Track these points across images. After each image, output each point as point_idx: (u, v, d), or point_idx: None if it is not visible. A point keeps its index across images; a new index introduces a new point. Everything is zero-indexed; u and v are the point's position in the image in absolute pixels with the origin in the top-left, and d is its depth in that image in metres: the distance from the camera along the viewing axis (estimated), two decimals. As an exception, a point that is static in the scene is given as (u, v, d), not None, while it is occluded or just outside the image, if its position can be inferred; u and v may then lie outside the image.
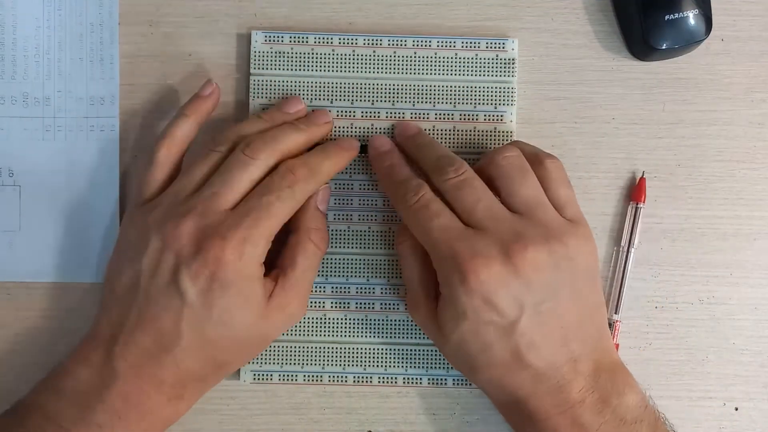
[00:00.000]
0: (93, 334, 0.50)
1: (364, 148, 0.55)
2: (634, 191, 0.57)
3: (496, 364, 0.48)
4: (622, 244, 0.57)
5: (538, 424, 0.49)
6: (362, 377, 0.56)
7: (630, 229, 0.57)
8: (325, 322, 0.56)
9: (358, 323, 0.56)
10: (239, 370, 0.55)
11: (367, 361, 0.56)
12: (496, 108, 0.56)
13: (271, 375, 0.55)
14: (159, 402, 0.49)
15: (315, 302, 0.55)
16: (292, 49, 0.56)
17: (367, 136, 0.56)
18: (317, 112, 0.55)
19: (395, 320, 0.56)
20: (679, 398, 0.57)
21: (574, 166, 0.57)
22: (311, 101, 0.56)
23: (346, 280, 0.56)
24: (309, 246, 0.52)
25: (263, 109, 0.55)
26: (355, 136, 0.56)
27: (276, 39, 0.56)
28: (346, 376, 0.56)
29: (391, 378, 0.55)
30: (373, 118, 0.56)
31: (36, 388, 0.50)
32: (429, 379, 0.56)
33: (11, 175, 0.56)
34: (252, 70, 0.56)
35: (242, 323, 0.49)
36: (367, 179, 0.56)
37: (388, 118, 0.56)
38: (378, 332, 0.56)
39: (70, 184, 0.56)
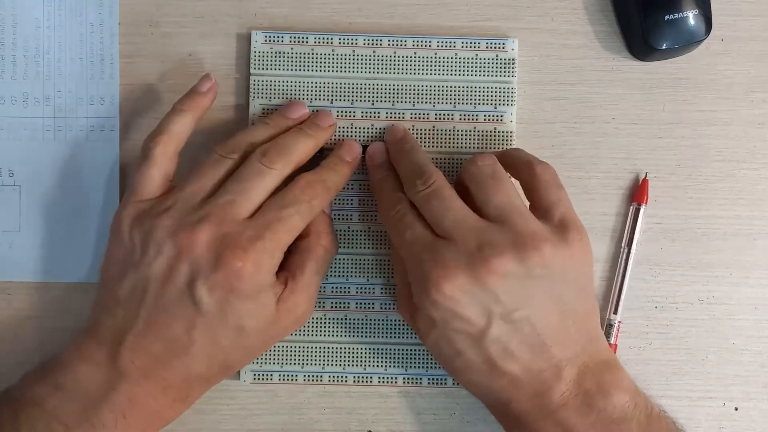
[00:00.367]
0: (93, 333, 0.49)
1: (365, 148, 0.55)
2: (637, 192, 0.57)
3: (471, 369, 0.49)
4: (623, 245, 0.57)
5: (523, 426, 0.49)
6: (362, 377, 0.56)
7: (630, 229, 0.57)
8: (325, 322, 0.56)
9: (358, 323, 0.56)
10: (239, 370, 0.55)
11: (367, 361, 0.56)
12: (496, 108, 0.56)
13: (271, 375, 0.55)
14: (164, 403, 0.49)
15: (315, 302, 0.55)
16: (292, 49, 0.56)
17: (368, 136, 0.56)
18: (320, 113, 0.54)
19: (395, 320, 0.56)
20: (679, 398, 0.57)
21: (574, 166, 0.57)
22: (311, 101, 0.56)
23: (346, 280, 0.56)
24: (319, 250, 0.52)
25: (264, 109, 0.56)
26: (356, 136, 0.56)
27: (276, 39, 0.56)
28: (346, 376, 0.56)
29: (391, 378, 0.55)
30: (373, 118, 0.56)
31: (30, 380, 0.49)
32: (429, 379, 0.56)
33: (11, 175, 0.56)
34: (252, 70, 0.56)
35: (254, 330, 0.49)
36: (367, 179, 0.56)
37: (388, 118, 0.56)
38: (378, 332, 0.56)
39: (70, 184, 0.56)
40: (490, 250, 0.46)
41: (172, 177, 0.52)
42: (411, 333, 0.56)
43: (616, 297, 0.56)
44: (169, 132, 0.52)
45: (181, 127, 0.52)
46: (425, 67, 0.56)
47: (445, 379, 0.56)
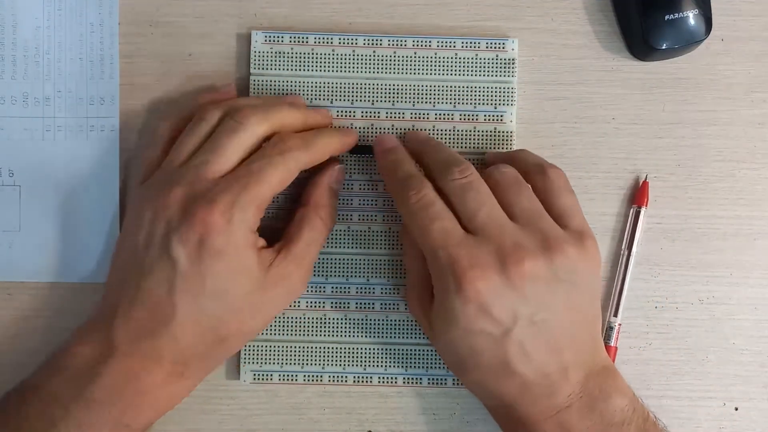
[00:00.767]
0: (95, 314, 0.50)
1: (365, 149, 0.55)
2: (637, 195, 0.57)
3: (483, 368, 0.48)
4: (623, 247, 0.57)
5: (525, 428, 0.49)
6: (362, 377, 0.56)
7: (631, 232, 0.57)
8: (325, 322, 0.56)
9: (358, 323, 0.56)
10: (239, 370, 0.55)
11: (367, 361, 0.56)
12: (496, 108, 0.56)
13: (271, 375, 0.55)
14: (158, 379, 0.49)
15: (315, 302, 0.55)
16: (292, 49, 0.56)
17: (368, 137, 0.56)
18: (319, 108, 0.55)
19: (395, 320, 0.56)
20: (679, 398, 0.57)
21: (574, 166, 0.57)
22: (311, 101, 0.56)
23: (346, 280, 0.56)
24: (316, 220, 0.52)
25: (263, 109, 0.56)
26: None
27: (276, 39, 0.56)
28: (346, 376, 0.56)
29: (391, 378, 0.55)
30: (373, 118, 0.56)
31: (38, 369, 0.50)
32: (429, 379, 0.56)
33: (11, 175, 0.56)
34: (252, 70, 0.56)
35: (237, 293, 0.48)
36: (367, 179, 0.56)
37: (388, 118, 0.56)
38: (378, 332, 0.56)
39: (70, 184, 0.56)
40: (524, 252, 0.46)
41: None
42: (411, 333, 0.56)
43: (616, 300, 0.56)
44: (178, 117, 0.53)
45: (190, 115, 0.53)
46: (425, 67, 0.56)
47: (445, 379, 0.56)
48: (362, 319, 0.56)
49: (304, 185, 0.54)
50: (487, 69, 0.56)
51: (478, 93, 0.56)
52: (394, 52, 0.56)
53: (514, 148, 0.56)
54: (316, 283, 0.56)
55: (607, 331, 0.56)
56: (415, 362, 0.55)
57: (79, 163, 0.56)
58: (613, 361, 0.56)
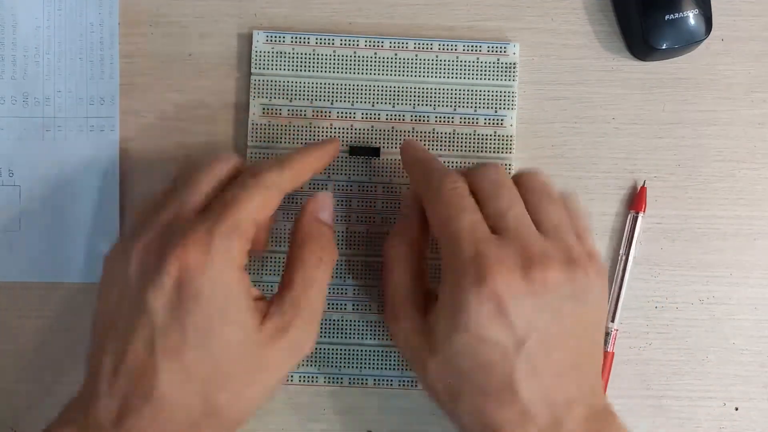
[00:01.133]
0: (78, 392, 0.45)
1: (365, 150, 0.55)
2: (635, 200, 0.57)
3: (484, 390, 0.43)
4: (621, 252, 0.57)
5: None
6: (357, 379, 0.56)
7: (629, 237, 0.56)
8: (321, 324, 0.55)
9: (354, 325, 0.56)
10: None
11: (363, 363, 0.55)
12: (496, 112, 0.56)
13: (271, 375, 0.55)
14: None
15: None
16: (293, 49, 0.56)
17: (368, 138, 0.56)
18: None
19: (394, 321, 0.56)
20: (679, 398, 0.57)
21: (574, 166, 0.57)
22: (311, 102, 0.56)
23: (343, 281, 0.56)
24: (308, 257, 0.46)
25: (264, 109, 0.56)
26: (356, 137, 0.56)
27: (277, 39, 0.56)
28: (341, 378, 0.56)
29: (387, 380, 0.55)
30: (373, 119, 0.56)
31: None
32: (426, 381, 0.56)
33: (11, 175, 0.56)
34: (253, 70, 0.56)
35: (226, 347, 0.42)
36: (367, 180, 0.56)
37: (389, 120, 0.56)
38: (374, 334, 0.56)
39: (70, 184, 0.56)
40: (549, 260, 0.43)
41: None
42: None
43: (613, 305, 0.56)
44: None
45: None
46: (426, 70, 0.56)
47: (445, 380, 0.56)
48: (359, 321, 0.56)
49: None
50: (487, 72, 0.56)
51: (478, 96, 0.56)
52: (395, 54, 0.56)
53: (514, 152, 0.56)
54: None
55: (605, 336, 0.56)
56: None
57: (79, 163, 0.56)
58: (611, 365, 0.56)
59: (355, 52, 0.56)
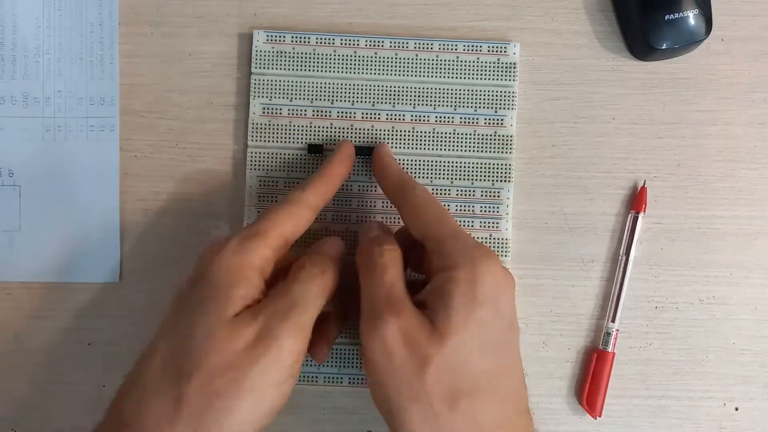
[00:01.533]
0: None
1: (364, 150, 0.55)
2: (635, 201, 0.57)
3: (498, 383, 0.44)
4: (621, 252, 0.57)
5: None
6: (358, 379, 0.56)
7: (629, 237, 0.57)
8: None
9: (354, 325, 0.55)
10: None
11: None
12: (496, 112, 0.56)
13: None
14: None
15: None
16: (293, 49, 0.56)
17: (368, 138, 0.56)
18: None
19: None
20: (679, 398, 0.57)
21: (574, 166, 0.57)
22: (312, 101, 0.56)
23: (344, 282, 0.55)
24: (298, 273, 0.47)
25: (264, 108, 0.56)
26: (356, 137, 0.56)
27: (278, 39, 0.56)
28: (341, 378, 0.56)
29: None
30: (373, 119, 0.56)
31: None
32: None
33: (11, 175, 0.56)
34: (253, 69, 0.56)
35: (200, 322, 0.43)
36: (367, 180, 0.56)
37: (389, 119, 0.56)
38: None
39: (70, 184, 0.56)
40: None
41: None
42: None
43: (614, 305, 0.56)
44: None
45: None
46: (426, 70, 0.56)
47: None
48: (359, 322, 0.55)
49: None
50: (488, 72, 0.56)
51: (478, 96, 0.56)
52: (396, 54, 0.56)
53: (514, 151, 0.56)
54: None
55: (605, 336, 0.56)
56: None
57: (79, 163, 0.56)
58: (611, 365, 0.56)
59: (355, 52, 0.56)
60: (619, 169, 0.57)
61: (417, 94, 0.56)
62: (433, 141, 0.56)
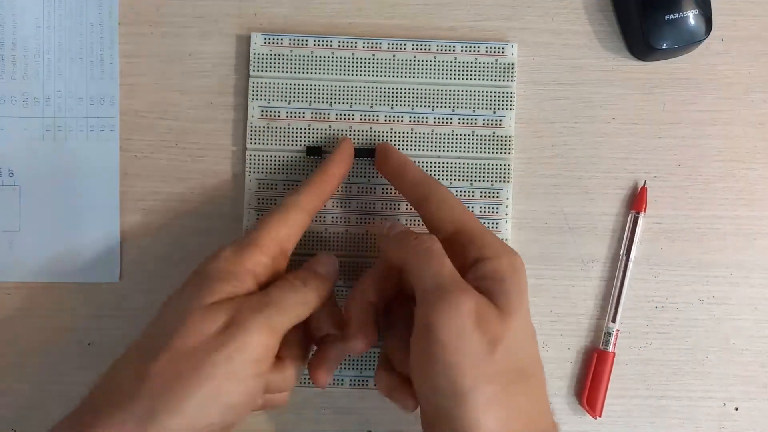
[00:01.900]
0: None
1: (364, 152, 0.55)
2: (636, 201, 0.57)
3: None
4: (621, 252, 0.57)
5: None
6: (358, 380, 0.56)
7: (629, 237, 0.56)
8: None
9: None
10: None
11: (363, 365, 0.56)
12: (495, 112, 0.56)
13: (271, 376, 0.55)
14: None
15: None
16: (291, 51, 0.56)
17: (366, 139, 0.56)
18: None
19: (393, 322, 0.56)
20: (679, 398, 0.57)
21: (574, 166, 0.57)
22: (310, 104, 0.56)
23: (343, 283, 0.56)
24: (280, 282, 0.47)
25: (262, 111, 0.56)
26: (354, 139, 0.56)
27: (275, 41, 0.56)
28: (342, 379, 0.56)
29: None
30: (371, 121, 0.56)
31: None
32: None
33: (11, 175, 0.56)
34: (251, 72, 0.56)
35: (176, 309, 0.44)
36: (366, 182, 0.56)
37: (387, 121, 0.56)
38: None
39: (70, 184, 0.56)
40: None
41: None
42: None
43: (614, 305, 0.56)
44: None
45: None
46: (424, 71, 0.56)
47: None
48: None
49: None
50: (486, 73, 0.56)
51: (477, 97, 0.56)
52: (394, 56, 0.56)
53: (513, 152, 0.56)
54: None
55: (605, 336, 0.56)
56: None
57: (79, 163, 0.56)
58: (611, 365, 0.56)
59: (353, 54, 0.56)
60: (619, 169, 0.57)
61: (415, 95, 0.56)
62: (431, 142, 0.56)
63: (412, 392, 0.47)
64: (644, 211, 0.56)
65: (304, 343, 0.50)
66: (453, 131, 0.56)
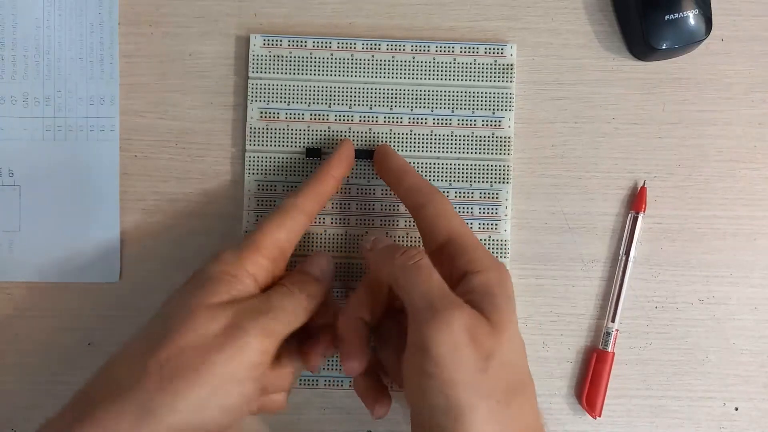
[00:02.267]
0: None
1: (363, 153, 0.55)
2: (635, 201, 0.57)
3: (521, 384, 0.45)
4: (621, 252, 0.57)
5: None
6: (357, 382, 0.56)
7: (629, 237, 0.56)
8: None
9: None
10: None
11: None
12: (494, 113, 0.56)
13: (271, 376, 0.55)
14: None
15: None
16: (290, 53, 0.56)
17: (366, 140, 0.56)
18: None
19: (392, 323, 0.56)
20: (679, 398, 0.57)
21: (574, 166, 0.57)
22: (309, 105, 0.56)
23: (344, 284, 0.56)
24: (278, 287, 0.48)
25: (261, 112, 0.56)
26: (353, 140, 0.56)
27: (275, 43, 0.56)
28: (341, 381, 0.56)
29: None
30: (371, 122, 0.56)
31: None
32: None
33: (11, 175, 0.56)
34: (250, 74, 0.56)
35: (179, 305, 0.45)
36: (365, 183, 0.56)
37: (386, 122, 0.56)
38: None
39: (70, 184, 0.56)
40: None
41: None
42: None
43: (614, 305, 0.56)
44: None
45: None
46: (424, 72, 0.56)
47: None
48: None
49: None
50: (485, 74, 0.56)
51: (476, 98, 0.56)
52: (393, 57, 0.56)
53: (512, 153, 0.56)
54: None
55: (605, 336, 0.56)
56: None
57: (79, 163, 0.56)
58: (611, 365, 0.56)
59: (352, 55, 0.56)
60: (619, 169, 0.57)
61: (414, 96, 0.56)
62: (431, 143, 0.56)
63: (386, 401, 0.51)
64: (644, 211, 0.56)
65: (302, 342, 0.50)
66: (452, 132, 0.56)
